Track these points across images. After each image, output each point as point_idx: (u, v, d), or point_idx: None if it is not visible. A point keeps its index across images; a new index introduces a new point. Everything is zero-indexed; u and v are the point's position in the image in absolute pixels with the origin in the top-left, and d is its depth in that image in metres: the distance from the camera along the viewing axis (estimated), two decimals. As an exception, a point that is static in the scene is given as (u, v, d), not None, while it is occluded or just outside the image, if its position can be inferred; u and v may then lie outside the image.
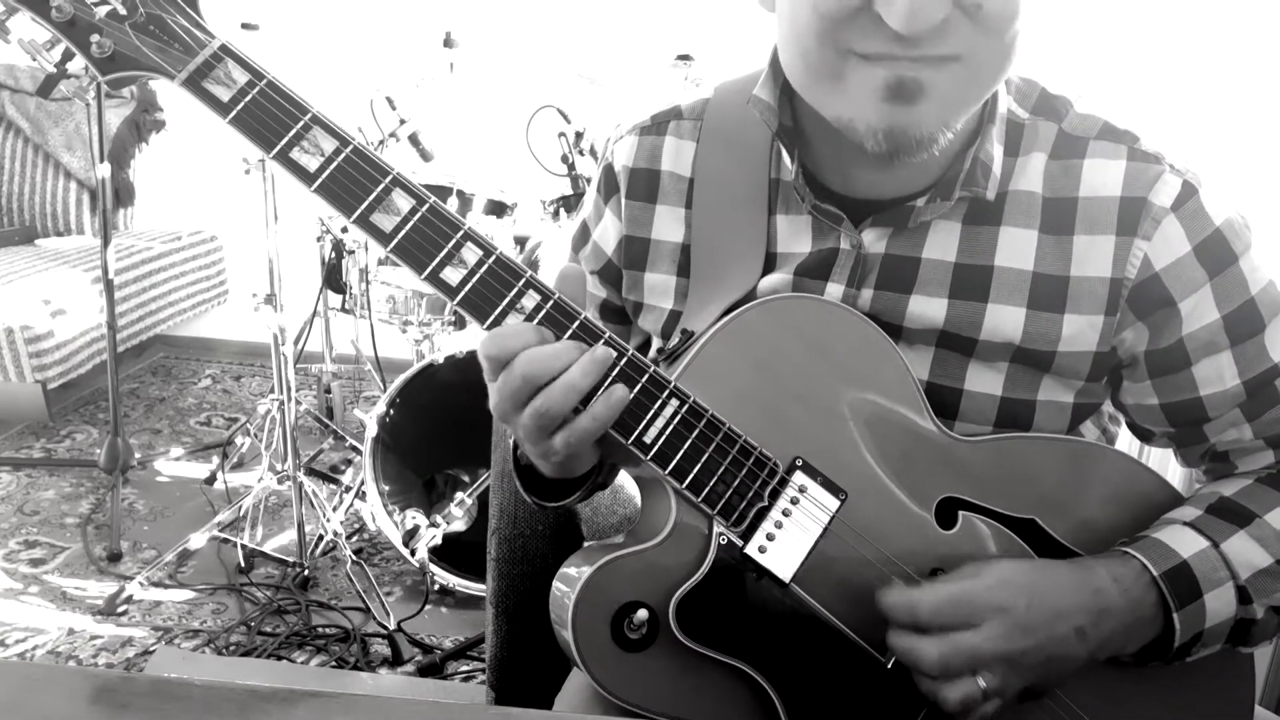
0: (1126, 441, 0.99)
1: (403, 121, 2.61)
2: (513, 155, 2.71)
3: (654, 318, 0.95)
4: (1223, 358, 0.83)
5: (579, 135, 2.59)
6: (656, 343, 0.97)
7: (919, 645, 0.75)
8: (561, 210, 2.53)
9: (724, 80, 0.94)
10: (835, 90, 0.74)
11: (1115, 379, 0.89)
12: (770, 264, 0.89)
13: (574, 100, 2.66)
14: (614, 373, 0.76)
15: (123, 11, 0.75)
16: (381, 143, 2.58)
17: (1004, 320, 0.82)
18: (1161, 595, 0.78)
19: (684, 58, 2.50)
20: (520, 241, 2.51)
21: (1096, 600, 0.77)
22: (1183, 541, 0.81)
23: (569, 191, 2.59)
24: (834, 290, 0.85)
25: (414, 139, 2.66)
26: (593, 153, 2.60)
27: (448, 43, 2.70)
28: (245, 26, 2.24)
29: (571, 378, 0.73)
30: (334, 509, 2.45)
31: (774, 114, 0.84)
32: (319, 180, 0.75)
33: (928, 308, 0.83)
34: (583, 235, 1.01)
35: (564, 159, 2.59)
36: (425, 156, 2.71)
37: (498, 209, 2.52)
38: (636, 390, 0.77)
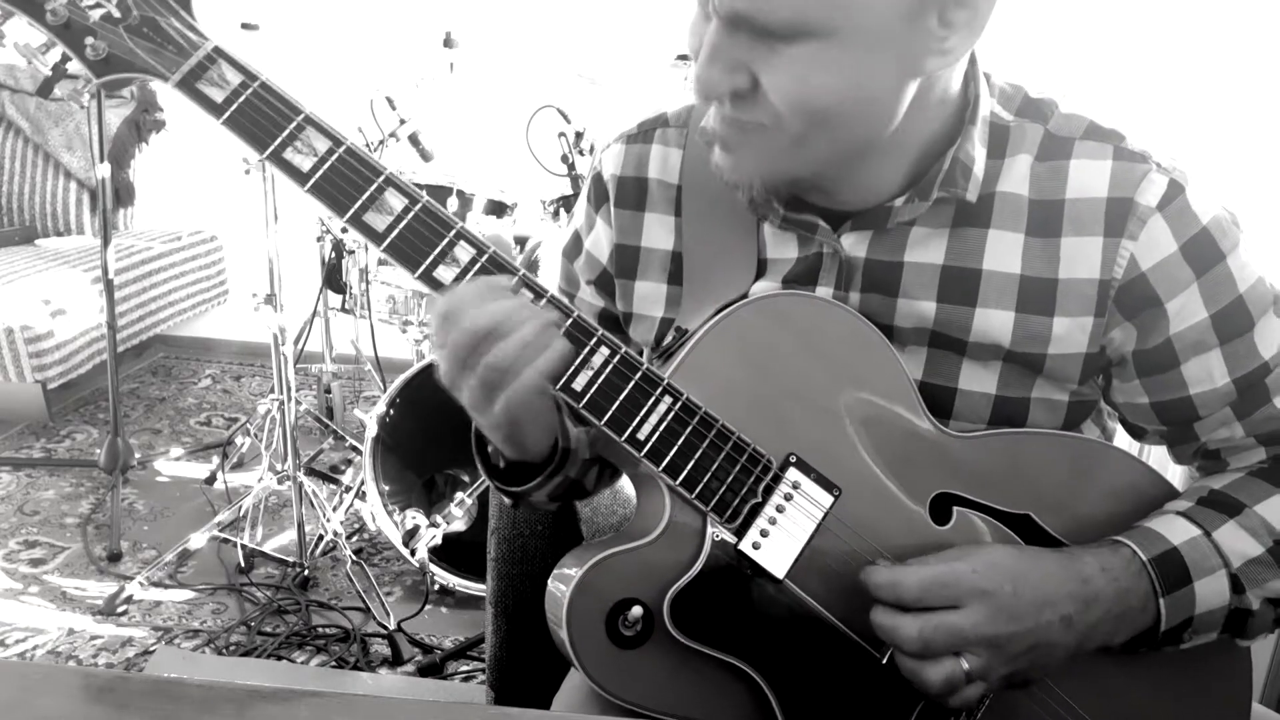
0: (1126, 439, 0.99)
1: (403, 121, 2.61)
2: (513, 155, 2.70)
3: (645, 327, 0.95)
4: (1212, 356, 0.82)
5: (579, 135, 2.59)
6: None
7: (900, 622, 0.75)
8: (561, 210, 2.53)
9: None
10: None
11: (1107, 378, 0.88)
12: (762, 269, 0.89)
13: (574, 100, 2.66)
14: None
15: (116, 14, 0.75)
16: (381, 143, 2.58)
17: (993, 324, 0.82)
18: (1152, 582, 0.78)
19: (684, 58, 2.50)
20: (520, 241, 2.51)
21: (1084, 589, 0.77)
22: (1174, 529, 0.81)
23: (569, 191, 2.59)
24: (823, 295, 0.85)
25: (414, 139, 2.66)
26: (593, 152, 2.60)
27: (448, 43, 2.70)
28: (245, 27, 2.24)
29: (524, 333, 0.72)
30: (334, 509, 2.45)
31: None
32: (312, 180, 0.75)
33: (916, 309, 0.83)
34: (575, 245, 1.01)
35: (564, 159, 2.59)
36: (425, 156, 2.71)
37: (498, 209, 2.52)
38: (630, 388, 0.77)
